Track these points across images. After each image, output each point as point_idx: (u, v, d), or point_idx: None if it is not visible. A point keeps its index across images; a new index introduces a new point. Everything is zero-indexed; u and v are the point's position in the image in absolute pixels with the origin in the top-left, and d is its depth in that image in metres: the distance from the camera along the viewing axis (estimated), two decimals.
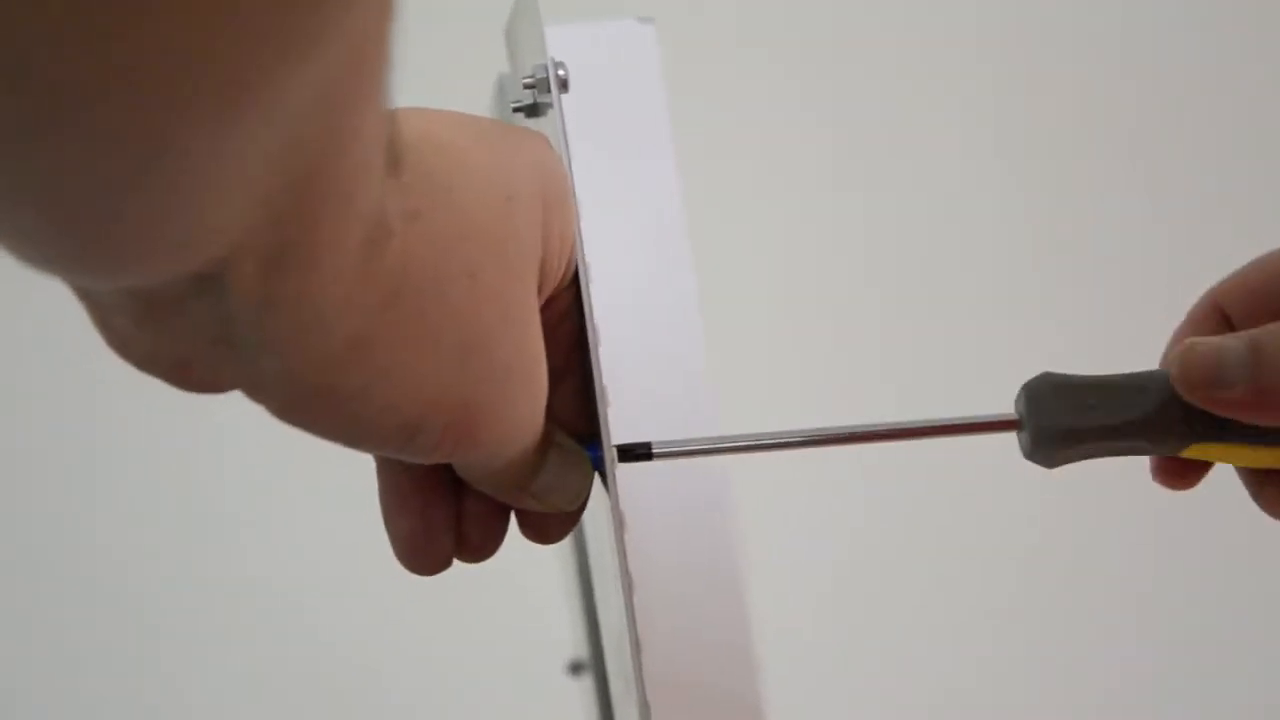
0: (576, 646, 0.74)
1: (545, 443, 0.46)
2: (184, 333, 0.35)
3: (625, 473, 0.47)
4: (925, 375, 1.22)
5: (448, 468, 0.46)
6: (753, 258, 1.21)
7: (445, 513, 0.46)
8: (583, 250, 0.46)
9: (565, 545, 0.69)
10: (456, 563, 0.47)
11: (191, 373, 0.37)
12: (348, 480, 1.15)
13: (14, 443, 1.19)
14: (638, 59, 0.48)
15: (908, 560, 1.21)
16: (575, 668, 0.74)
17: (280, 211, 0.32)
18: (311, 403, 0.37)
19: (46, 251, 0.29)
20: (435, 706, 1.19)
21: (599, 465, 0.48)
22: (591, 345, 0.46)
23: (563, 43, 0.46)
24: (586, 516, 0.57)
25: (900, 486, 1.21)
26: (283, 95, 0.27)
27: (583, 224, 0.45)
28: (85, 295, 0.36)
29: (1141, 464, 1.25)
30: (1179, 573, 1.22)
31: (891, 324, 1.23)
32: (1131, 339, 1.21)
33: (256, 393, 0.37)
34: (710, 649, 0.48)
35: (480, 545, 0.47)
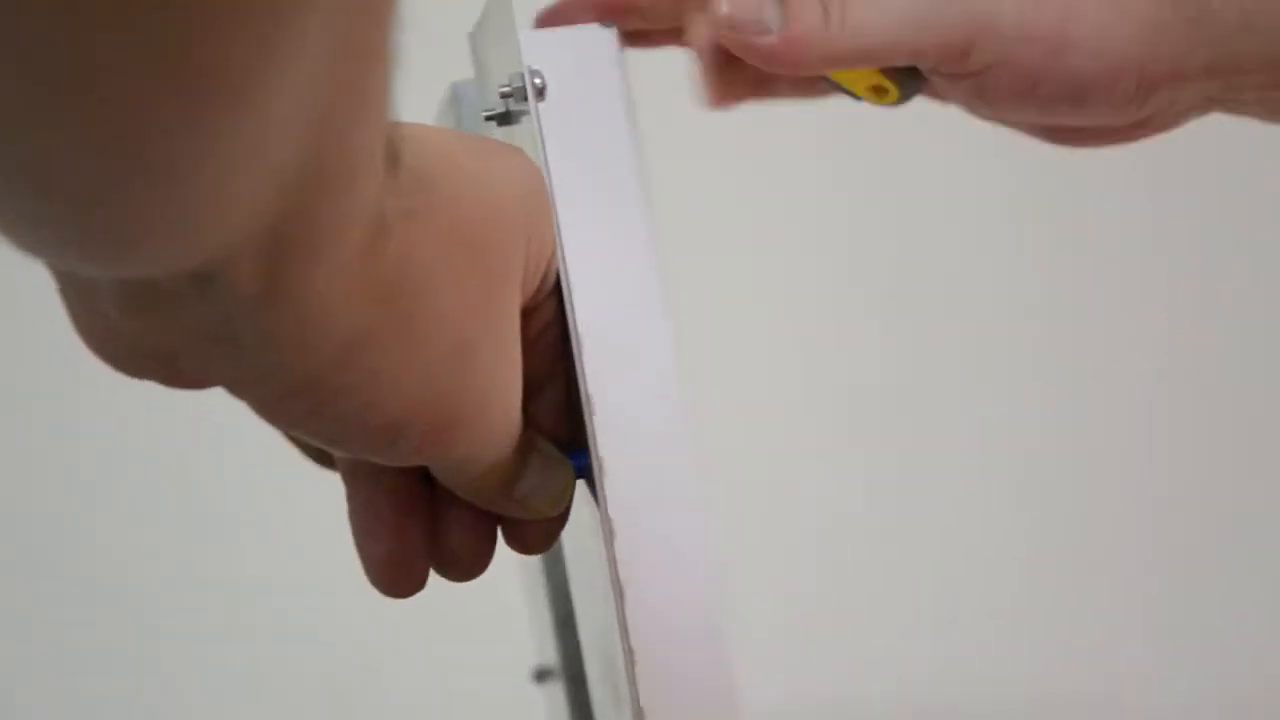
0: (542, 653, 0.73)
1: (527, 447, 0.46)
2: (176, 326, 0.34)
3: (614, 479, 0.47)
4: (919, 379, 1.21)
5: (425, 484, 0.45)
6: (731, 261, 1.20)
7: (422, 533, 0.46)
8: (565, 260, 0.46)
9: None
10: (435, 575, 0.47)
11: (178, 367, 0.37)
12: (323, 482, 1.15)
13: (14, 443, 1.19)
14: (600, 62, 0.47)
15: (904, 561, 1.20)
16: (541, 675, 0.73)
17: (282, 205, 0.31)
18: (298, 401, 0.37)
19: (42, 237, 0.29)
20: (430, 711, 1.19)
21: (584, 473, 0.48)
22: (576, 354, 0.46)
23: (525, 47, 0.46)
24: (568, 526, 0.57)
25: (899, 485, 1.21)
26: (269, 91, 0.27)
27: (562, 233, 0.46)
28: (71, 283, 0.35)
29: (1142, 459, 1.23)
30: (1180, 561, 1.21)
31: (877, 328, 1.22)
32: (1131, 339, 1.21)
33: (242, 389, 0.37)
34: (699, 654, 0.48)
35: (469, 559, 0.47)
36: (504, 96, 0.46)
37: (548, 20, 0.52)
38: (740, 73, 0.52)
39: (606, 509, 0.47)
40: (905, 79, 0.52)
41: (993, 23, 0.47)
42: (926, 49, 0.47)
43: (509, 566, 0.79)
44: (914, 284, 1.22)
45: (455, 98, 0.56)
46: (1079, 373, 1.22)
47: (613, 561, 0.47)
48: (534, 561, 0.65)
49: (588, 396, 0.46)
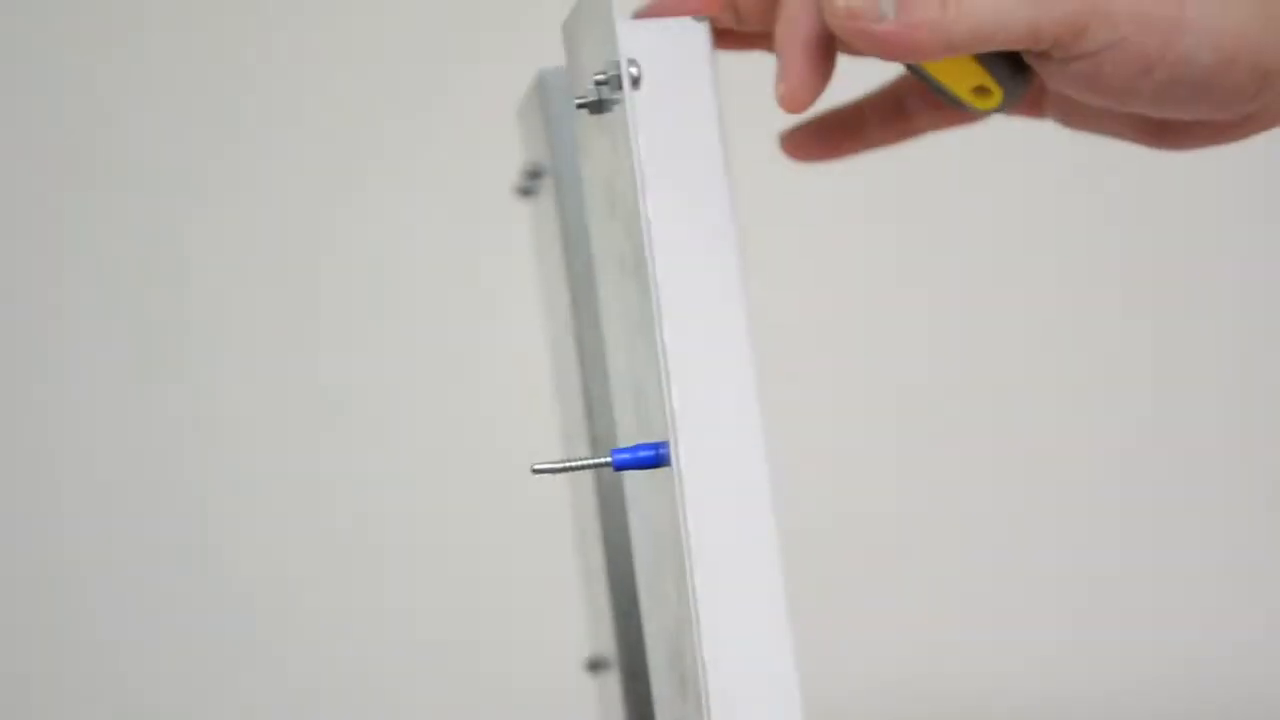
0: (595, 644, 0.73)
1: None
2: None
3: (692, 468, 0.47)
4: (982, 375, 1.21)
5: None
6: (810, 256, 1.20)
7: None
8: (652, 246, 0.46)
9: (588, 540, 0.69)
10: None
11: None
12: (350, 481, 1.15)
13: (15, 442, 1.19)
14: (692, 56, 0.48)
15: (972, 559, 1.19)
16: (594, 665, 0.73)
17: None
18: None
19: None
20: (446, 704, 1.19)
21: (664, 462, 0.49)
22: (660, 346, 0.46)
23: (622, 37, 0.46)
24: (636, 517, 0.57)
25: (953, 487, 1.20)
26: None
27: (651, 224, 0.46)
28: None
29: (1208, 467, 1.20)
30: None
31: (950, 328, 1.21)
32: (1180, 347, 1.20)
33: None
34: (767, 643, 0.48)
35: None
36: (599, 84, 0.46)
37: (645, 12, 0.52)
38: (828, 65, 0.52)
39: (685, 498, 0.47)
40: (1010, 79, 0.53)
41: (1109, 2, 0.48)
42: (1044, 26, 0.48)
43: (564, 560, 0.78)
44: (978, 289, 1.22)
45: (541, 84, 0.57)
46: (1138, 376, 1.21)
47: (689, 552, 0.47)
48: (596, 554, 0.65)
49: (669, 387, 0.47)
